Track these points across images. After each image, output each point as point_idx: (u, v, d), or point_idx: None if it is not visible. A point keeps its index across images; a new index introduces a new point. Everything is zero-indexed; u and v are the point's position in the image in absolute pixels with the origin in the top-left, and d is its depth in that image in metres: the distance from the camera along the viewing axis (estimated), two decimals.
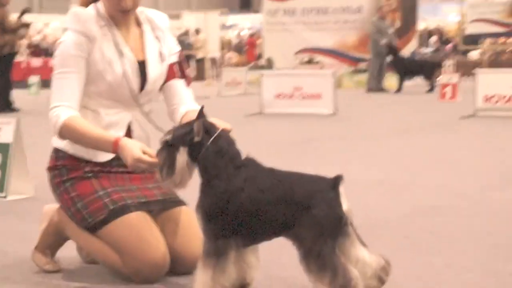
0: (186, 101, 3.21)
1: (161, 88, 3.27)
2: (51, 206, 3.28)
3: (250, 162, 2.74)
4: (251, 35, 29.94)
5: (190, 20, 28.48)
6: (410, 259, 3.27)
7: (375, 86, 17.92)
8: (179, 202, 3.19)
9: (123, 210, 3.01)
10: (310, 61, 20.95)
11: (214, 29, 27.99)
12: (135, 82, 3.13)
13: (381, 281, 2.75)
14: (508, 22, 20.63)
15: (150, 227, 3.02)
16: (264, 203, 2.64)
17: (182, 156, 2.71)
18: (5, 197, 4.90)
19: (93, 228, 3.05)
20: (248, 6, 45.43)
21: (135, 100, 3.15)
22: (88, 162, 3.12)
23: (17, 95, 13.15)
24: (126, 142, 2.91)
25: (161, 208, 3.14)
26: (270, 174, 2.70)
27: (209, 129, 2.72)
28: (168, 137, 2.73)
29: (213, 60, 26.00)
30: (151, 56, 3.19)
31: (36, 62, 25.22)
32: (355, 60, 20.67)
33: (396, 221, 4.16)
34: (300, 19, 21.70)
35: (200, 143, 2.70)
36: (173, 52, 3.28)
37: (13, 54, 12.65)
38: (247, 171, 2.70)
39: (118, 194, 3.07)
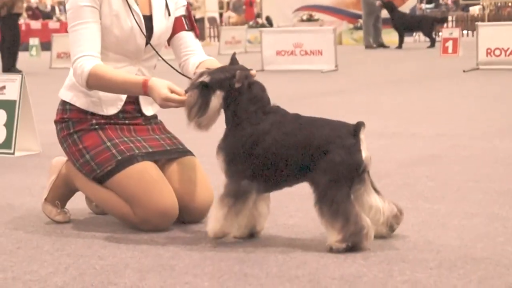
0: (196, 52, 3.22)
1: (170, 41, 3.27)
2: (60, 158, 3.31)
3: (278, 109, 2.77)
4: None
5: None
6: (413, 207, 3.30)
7: (372, 42, 17.91)
8: (186, 152, 3.22)
9: (130, 160, 3.04)
10: (309, 19, 20.84)
11: None
12: (141, 36, 3.12)
13: (392, 228, 2.81)
14: None
15: (157, 176, 3.04)
16: (286, 146, 2.67)
17: (217, 99, 2.73)
18: (12, 153, 4.94)
19: (101, 179, 3.08)
20: None
21: (141, 54, 3.16)
22: (94, 114, 3.14)
23: (19, 56, 13.12)
24: (154, 82, 2.92)
25: (168, 158, 3.16)
26: (295, 119, 2.73)
27: (246, 74, 2.74)
28: (206, 78, 2.73)
29: (212, 20, 25.87)
30: (157, 11, 3.18)
31: (35, 25, 25.12)
32: (354, 17, 20.59)
33: (397, 170, 4.19)
34: None
35: (238, 90, 2.72)
36: (179, 5, 3.27)
37: (13, 15, 12.46)
38: (274, 117, 2.73)
39: (125, 144, 3.09)
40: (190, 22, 3.27)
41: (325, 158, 2.63)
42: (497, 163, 4.30)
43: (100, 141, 3.10)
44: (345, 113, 6.63)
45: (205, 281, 2.41)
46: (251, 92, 2.74)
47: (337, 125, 2.72)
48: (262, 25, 20.46)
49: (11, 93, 4.99)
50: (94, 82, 3.01)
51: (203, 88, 2.73)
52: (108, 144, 3.09)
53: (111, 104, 3.14)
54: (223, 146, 2.75)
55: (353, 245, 2.63)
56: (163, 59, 3.22)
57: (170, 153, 3.17)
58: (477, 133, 5.39)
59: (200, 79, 2.74)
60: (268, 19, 21.53)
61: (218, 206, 2.74)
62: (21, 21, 26.39)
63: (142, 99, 3.21)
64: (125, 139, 3.12)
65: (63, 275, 2.51)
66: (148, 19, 3.16)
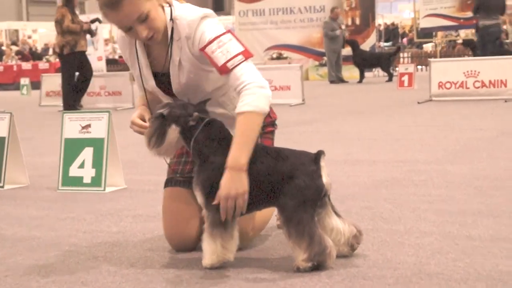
0: (247, 86, 2.68)
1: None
2: None
3: None
4: None
5: None
6: (374, 227, 3.30)
7: (335, 77, 18.09)
8: None
9: (168, 182, 3.11)
10: (279, 57, 20.96)
11: None
12: (163, 95, 2.98)
13: (353, 248, 2.80)
14: (458, 16, 20.75)
15: (183, 205, 3.02)
16: (257, 174, 2.65)
17: (172, 133, 2.72)
18: (2, 186, 4.87)
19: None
20: (221, 9, 45.32)
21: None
22: None
23: (10, 96, 13.03)
24: (138, 109, 2.97)
25: None
26: (261, 149, 2.72)
27: (201, 116, 2.72)
28: (165, 111, 2.72)
29: None
30: (173, 71, 2.88)
31: (26, 65, 25.01)
32: (319, 55, 20.73)
33: (359, 193, 4.19)
34: (268, 19, 21.70)
35: (193, 126, 2.71)
36: (210, 49, 2.75)
37: (76, 54, 11.76)
38: None
39: (175, 166, 3.11)
40: (227, 58, 2.75)
41: (291, 184, 2.63)
42: (448, 186, 4.32)
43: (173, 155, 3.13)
44: (313, 141, 6.66)
45: None
46: (210, 129, 2.72)
47: (300, 154, 2.72)
48: None
49: (0, 130, 4.93)
50: None
51: (162, 120, 2.72)
52: (174, 159, 3.13)
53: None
54: (198, 181, 2.73)
55: (318, 264, 2.62)
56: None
57: None
58: (431, 158, 5.42)
59: (160, 111, 2.73)
60: None
61: (210, 239, 2.69)
62: (12, 62, 26.32)
63: None
64: (182, 159, 3.11)
65: None
66: (168, 76, 2.91)
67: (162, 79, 2.93)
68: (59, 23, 11.71)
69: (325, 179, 2.66)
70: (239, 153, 2.61)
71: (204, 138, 2.71)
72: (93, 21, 12.62)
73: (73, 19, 11.71)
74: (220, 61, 2.71)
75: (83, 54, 11.95)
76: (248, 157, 2.62)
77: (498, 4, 13.84)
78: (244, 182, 2.60)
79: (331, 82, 18.08)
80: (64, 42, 11.62)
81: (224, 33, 2.78)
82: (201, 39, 2.77)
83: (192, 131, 2.71)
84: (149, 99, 3.03)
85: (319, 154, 2.68)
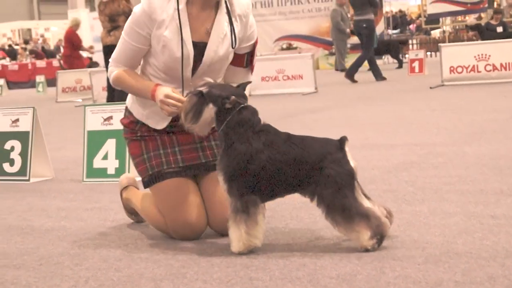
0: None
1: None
2: (124, 178, 3.47)
3: (268, 128, 2.74)
4: None
5: None
6: (398, 209, 3.28)
7: (343, 66, 18.02)
8: None
9: (158, 177, 3.04)
10: (288, 47, 20.89)
11: None
12: (187, 67, 2.98)
13: None
14: (465, 1, 20.60)
15: (183, 193, 3.00)
16: (282, 163, 2.65)
17: (209, 111, 2.71)
18: (28, 179, 4.89)
19: (144, 185, 3.14)
20: None
21: (189, 79, 3.01)
22: (144, 125, 3.12)
23: (26, 93, 13.07)
24: (162, 86, 2.92)
25: (205, 169, 3.09)
26: (286, 138, 2.71)
27: (240, 100, 2.72)
28: (204, 89, 2.72)
29: None
30: (215, 40, 2.96)
31: (41, 63, 25.08)
32: (329, 44, 20.63)
33: (380, 177, 4.18)
34: (277, 10, 21.63)
35: (229, 110, 2.71)
36: (250, 41, 3.06)
37: None
38: (266, 136, 2.70)
39: (157, 159, 3.06)
40: (251, 58, 3.10)
41: (322, 173, 2.63)
42: (468, 166, 4.30)
43: (140, 152, 3.12)
44: (328, 128, 6.64)
45: (215, 286, 2.38)
46: (240, 114, 2.71)
47: (324, 142, 2.71)
48: None
49: (24, 125, 4.96)
50: (116, 84, 3.07)
51: (200, 97, 2.71)
52: (145, 156, 3.09)
53: (161, 118, 3.05)
54: (221, 166, 2.73)
55: (380, 237, 2.62)
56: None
57: (204, 166, 3.08)
58: (448, 141, 5.40)
59: (200, 89, 2.73)
60: None
61: (234, 225, 2.69)
62: (29, 60, 26.42)
63: None
64: (160, 151, 3.08)
65: (83, 287, 2.48)
66: (202, 47, 2.97)
67: (194, 49, 2.98)
68: (126, 15, 10.90)
69: (352, 163, 2.66)
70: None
71: (235, 123, 2.71)
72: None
73: None
74: (254, 60, 3.11)
75: None
76: None
77: None
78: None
79: (342, 70, 17.98)
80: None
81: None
82: (254, 30, 3.07)
83: (226, 114, 2.71)
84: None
85: (343, 140, 2.68)
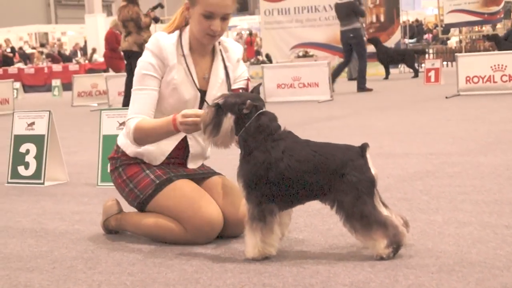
0: None
1: None
2: (110, 205, 3.36)
3: (288, 135, 2.74)
4: (250, 35, 29.89)
5: None
6: (412, 218, 3.27)
7: (356, 75, 17.99)
8: (219, 173, 3.27)
9: (167, 181, 3.07)
10: (305, 55, 20.89)
11: None
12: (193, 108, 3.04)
13: None
14: (482, 12, 20.55)
15: (197, 189, 3.05)
16: (301, 172, 2.65)
17: (228, 121, 2.71)
18: (42, 183, 4.92)
19: (145, 202, 3.10)
20: (245, 9, 45.35)
21: None
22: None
23: (42, 97, 13.16)
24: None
25: (202, 177, 3.17)
26: (306, 146, 2.71)
27: (257, 105, 2.73)
28: (220, 100, 2.73)
29: None
30: (213, 87, 3.13)
31: (57, 67, 25.24)
32: None
33: (395, 185, 4.17)
34: (294, 17, 21.65)
35: (247, 115, 2.71)
36: (242, 79, 3.22)
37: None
38: (285, 143, 2.70)
39: (162, 170, 3.12)
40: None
41: (343, 180, 2.62)
42: (483, 177, 4.28)
43: (140, 169, 3.13)
44: (344, 136, 6.63)
45: None
46: (259, 120, 2.72)
47: (346, 149, 2.70)
48: (263, 62, 20.53)
49: (39, 128, 4.98)
50: (138, 136, 3.01)
51: (218, 109, 2.72)
52: (147, 171, 3.12)
53: (154, 157, 3.15)
54: (240, 173, 2.73)
55: (397, 246, 2.61)
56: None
57: (204, 174, 3.19)
58: (463, 151, 5.38)
59: (216, 101, 2.74)
60: (267, 56, 21.59)
61: (250, 232, 2.69)
62: (45, 64, 26.59)
63: (190, 159, 3.21)
64: (162, 167, 3.15)
65: None
66: (203, 93, 3.12)
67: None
68: (134, 21, 11.24)
69: (373, 170, 2.66)
70: None
71: (253, 129, 2.71)
72: (155, 7, 11.87)
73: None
74: None
75: None
76: None
77: None
78: None
79: (354, 79, 17.93)
80: (142, 40, 11.12)
81: None
82: (244, 70, 3.24)
83: (245, 120, 2.71)
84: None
85: (364, 147, 2.68)
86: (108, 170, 3.31)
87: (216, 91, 3.10)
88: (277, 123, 2.76)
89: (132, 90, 3.10)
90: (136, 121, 3.01)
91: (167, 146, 3.13)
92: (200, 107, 3.09)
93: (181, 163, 3.20)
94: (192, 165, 3.22)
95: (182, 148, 3.18)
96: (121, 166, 3.18)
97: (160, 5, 12.32)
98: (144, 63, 3.06)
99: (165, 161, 3.16)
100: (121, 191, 3.20)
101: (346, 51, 13.96)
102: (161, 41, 3.06)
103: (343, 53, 14.41)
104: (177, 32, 3.11)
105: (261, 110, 2.74)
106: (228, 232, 3.07)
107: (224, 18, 3.01)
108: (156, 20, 11.94)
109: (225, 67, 3.17)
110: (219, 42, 3.17)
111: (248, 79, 3.26)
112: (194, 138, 3.18)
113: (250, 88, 3.06)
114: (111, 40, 14.36)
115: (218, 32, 3.02)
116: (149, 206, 3.11)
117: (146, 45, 3.08)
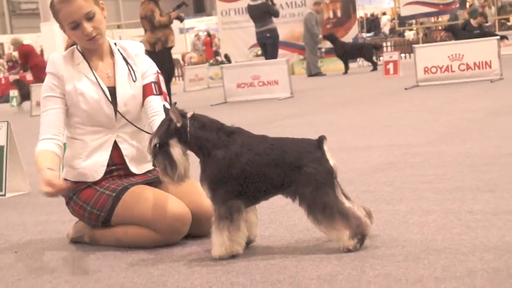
0: (161, 112, 3.13)
1: (143, 105, 3.27)
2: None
3: (240, 130, 2.75)
4: (208, 36, 29.84)
5: None
6: (376, 209, 3.30)
7: (318, 69, 18.12)
8: None
9: (123, 189, 3.08)
10: (263, 54, 20.92)
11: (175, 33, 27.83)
12: (107, 107, 3.16)
13: None
14: (437, 2, 20.83)
15: (157, 190, 3.07)
16: (262, 165, 2.66)
17: (176, 148, 2.71)
18: (4, 195, 4.85)
19: (108, 218, 3.09)
20: (202, 11, 45.25)
21: (114, 123, 3.19)
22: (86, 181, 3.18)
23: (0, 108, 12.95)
24: (45, 171, 2.93)
25: (159, 181, 3.11)
26: (263, 140, 2.72)
27: (182, 113, 2.73)
28: (155, 140, 2.72)
29: (176, 61, 25.85)
30: (120, 82, 3.22)
31: (14, 77, 24.83)
32: (303, 49, 20.70)
33: (358, 178, 4.21)
34: None
35: (182, 126, 2.70)
36: (149, 74, 3.29)
37: (168, 49, 11.00)
38: (241, 138, 2.71)
39: (115, 184, 3.13)
40: (159, 87, 3.28)
41: (301, 173, 2.63)
42: (445, 165, 4.34)
43: (94, 191, 3.14)
44: (306, 132, 6.65)
45: None
46: (197, 121, 2.72)
47: (302, 142, 2.72)
48: (222, 62, 20.52)
49: None
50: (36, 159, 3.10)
51: (160, 149, 2.71)
52: (101, 190, 3.12)
53: (95, 170, 3.16)
54: (204, 176, 2.73)
55: (361, 237, 2.63)
56: (132, 123, 3.22)
57: (157, 177, 3.11)
58: (424, 141, 5.44)
59: (152, 145, 2.73)
60: (226, 56, 21.58)
61: (217, 231, 2.69)
62: (1, 75, 26.14)
63: (130, 163, 3.21)
64: (116, 181, 3.16)
65: None
66: (113, 90, 3.20)
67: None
68: (147, 19, 10.89)
69: (331, 161, 2.67)
70: None
71: (199, 132, 2.70)
72: (179, 6, 11.34)
73: (160, 13, 10.92)
74: (162, 88, 3.27)
75: (171, 49, 11.18)
76: None
77: None
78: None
79: (315, 75, 18.02)
80: (155, 39, 10.86)
81: None
82: (152, 65, 3.32)
83: (184, 132, 2.71)
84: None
85: (321, 140, 2.70)
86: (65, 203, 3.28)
87: (124, 85, 3.20)
88: (216, 120, 2.76)
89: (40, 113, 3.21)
90: (39, 149, 3.13)
91: (102, 156, 3.17)
92: (113, 101, 3.16)
93: (128, 172, 3.21)
94: (137, 169, 3.23)
95: (119, 155, 3.20)
96: (74, 195, 3.18)
97: (185, 3, 11.70)
98: (44, 87, 3.20)
99: (108, 170, 3.17)
100: (81, 217, 3.19)
101: (265, 51, 14.48)
102: (54, 59, 3.20)
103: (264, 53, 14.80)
104: (72, 48, 3.25)
105: (190, 114, 2.74)
106: (193, 229, 3.07)
107: (88, 17, 3.09)
108: (181, 19, 11.50)
109: (127, 63, 3.26)
110: (115, 44, 3.29)
111: (158, 73, 3.32)
112: (124, 141, 3.21)
113: (162, 82, 3.25)
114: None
115: (93, 32, 3.11)
116: (112, 220, 3.10)
117: (46, 69, 3.19)
